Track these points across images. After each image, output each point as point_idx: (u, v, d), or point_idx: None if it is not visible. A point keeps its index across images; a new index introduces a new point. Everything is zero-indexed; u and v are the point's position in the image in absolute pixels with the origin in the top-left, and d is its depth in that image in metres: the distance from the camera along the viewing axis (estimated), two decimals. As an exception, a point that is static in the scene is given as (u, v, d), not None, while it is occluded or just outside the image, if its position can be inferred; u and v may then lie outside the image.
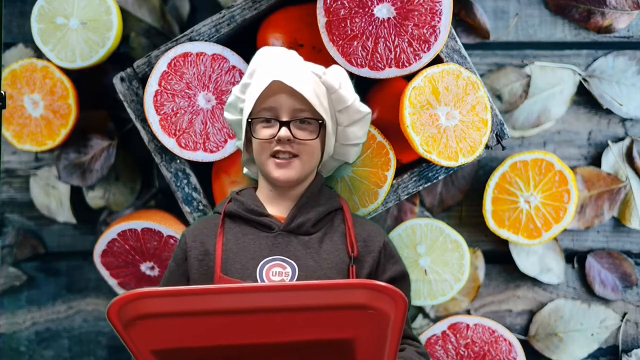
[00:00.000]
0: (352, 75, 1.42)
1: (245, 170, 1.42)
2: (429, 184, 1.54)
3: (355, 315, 0.90)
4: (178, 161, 1.54)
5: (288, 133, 1.25)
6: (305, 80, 1.26)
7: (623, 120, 1.72)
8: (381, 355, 0.95)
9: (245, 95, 1.32)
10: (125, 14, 1.70)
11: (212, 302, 0.91)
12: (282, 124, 1.25)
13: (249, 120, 1.28)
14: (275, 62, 1.30)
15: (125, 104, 1.54)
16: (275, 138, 1.25)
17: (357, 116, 1.34)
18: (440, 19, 1.46)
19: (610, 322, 1.72)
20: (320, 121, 1.28)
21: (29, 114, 1.67)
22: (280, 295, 0.91)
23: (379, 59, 1.47)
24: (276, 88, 1.25)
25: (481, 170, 1.73)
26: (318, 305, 0.90)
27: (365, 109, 1.35)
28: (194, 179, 1.54)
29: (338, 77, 1.32)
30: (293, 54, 1.34)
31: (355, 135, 1.36)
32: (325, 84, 1.30)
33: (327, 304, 0.90)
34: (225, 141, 1.51)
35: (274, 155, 1.27)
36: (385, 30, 1.47)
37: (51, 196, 1.75)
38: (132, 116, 1.54)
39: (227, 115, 1.37)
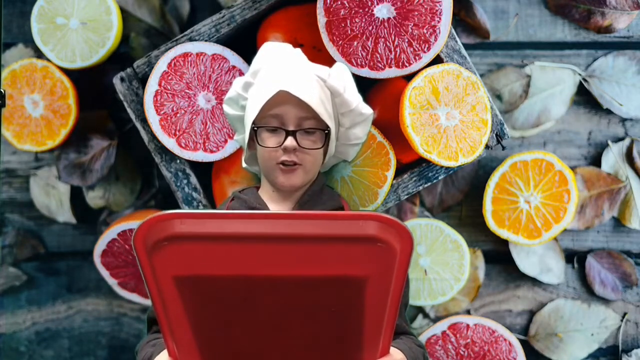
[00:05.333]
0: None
1: (244, 165, 1.42)
2: (429, 184, 1.54)
3: (364, 249, 0.92)
4: (178, 161, 1.54)
5: (294, 143, 1.25)
6: (311, 88, 1.25)
7: (623, 120, 1.72)
8: (385, 297, 0.96)
9: (248, 95, 1.31)
10: (125, 14, 1.70)
11: (238, 227, 0.92)
12: (288, 133, 1.25)
13: (255, 128, 1.28)
14: (280, 66, 1.29)
15: (125, 104, 1.54)
16: (282, 147, 1.25)
17: (359, 119, 1.34)
18: (440, 19, 1.46)
19: (610, 322, 1.72)
20: (326, 131, 1.28)
21: (29, 114, 1.67)
22: (300, 223, 0.92)
23: (379, 59, 1.47)
24: (282, 96, 1.24)
25: (481, 170, 1.72)
26: (329, 234, 0.92)
27: (367, 110, 1.35)
28: (194, 179, 1.54)
29: (342, 79, 1.32)
30: (297, 53, 1.34)
31: (356, 136, 1.36)
32: (330, 88, 1.30)
33: (338, 234, 0.92)
34: (225, 141, 1.51)
35: (280, 162, 1.27)
36: (385, 30, 1.47)
37: (51, 196, 1.75)
38: (132, 116, 1.54)
39: (227, 109, 1.36)
